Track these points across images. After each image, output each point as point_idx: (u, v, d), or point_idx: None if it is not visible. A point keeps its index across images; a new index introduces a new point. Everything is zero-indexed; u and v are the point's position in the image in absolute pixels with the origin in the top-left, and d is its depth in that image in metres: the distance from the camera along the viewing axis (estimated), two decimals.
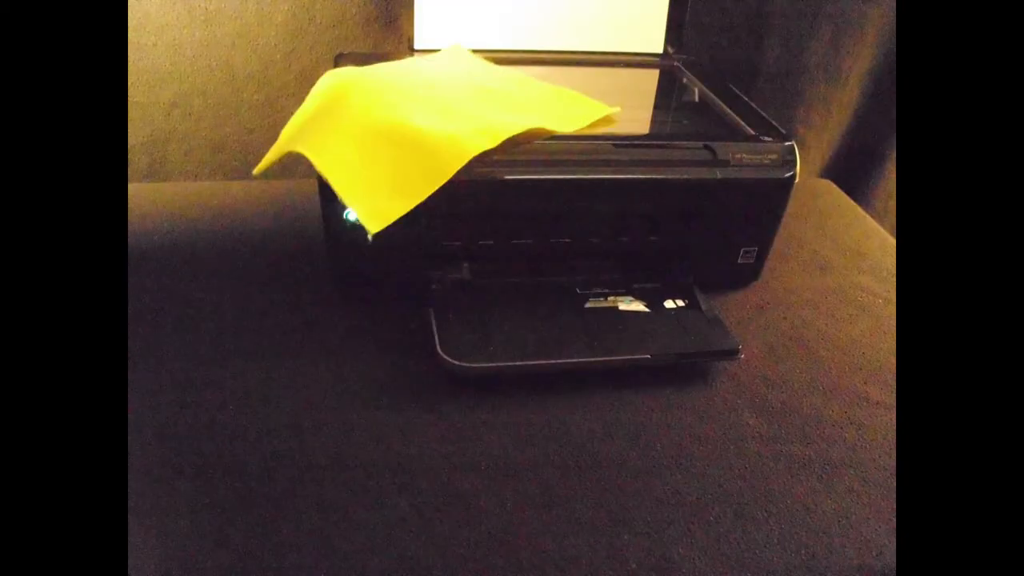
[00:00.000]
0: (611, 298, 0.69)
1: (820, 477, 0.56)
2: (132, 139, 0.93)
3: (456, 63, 0.75)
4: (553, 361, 0.61)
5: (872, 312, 0.75)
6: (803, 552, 0.50)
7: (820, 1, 0.97)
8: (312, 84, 0.92)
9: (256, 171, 0.59)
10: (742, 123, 0.71)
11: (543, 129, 0.62)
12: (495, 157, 0.62)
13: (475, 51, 0.78)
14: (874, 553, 0.51)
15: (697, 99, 0.79)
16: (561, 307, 0.67)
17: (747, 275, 0.77)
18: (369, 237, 0.55)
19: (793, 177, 0.68)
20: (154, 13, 0.86)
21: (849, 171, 1.12)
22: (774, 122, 0.71)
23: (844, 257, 0.84)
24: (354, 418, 0.58)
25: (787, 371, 0.66)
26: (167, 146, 0.95)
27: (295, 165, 0.99)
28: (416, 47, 0.83)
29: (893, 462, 0.58)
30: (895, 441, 0.59)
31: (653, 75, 0.86)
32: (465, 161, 0.56)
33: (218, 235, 0.81)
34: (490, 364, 0.60)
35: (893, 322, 0.73)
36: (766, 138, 0.68)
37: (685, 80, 0.83)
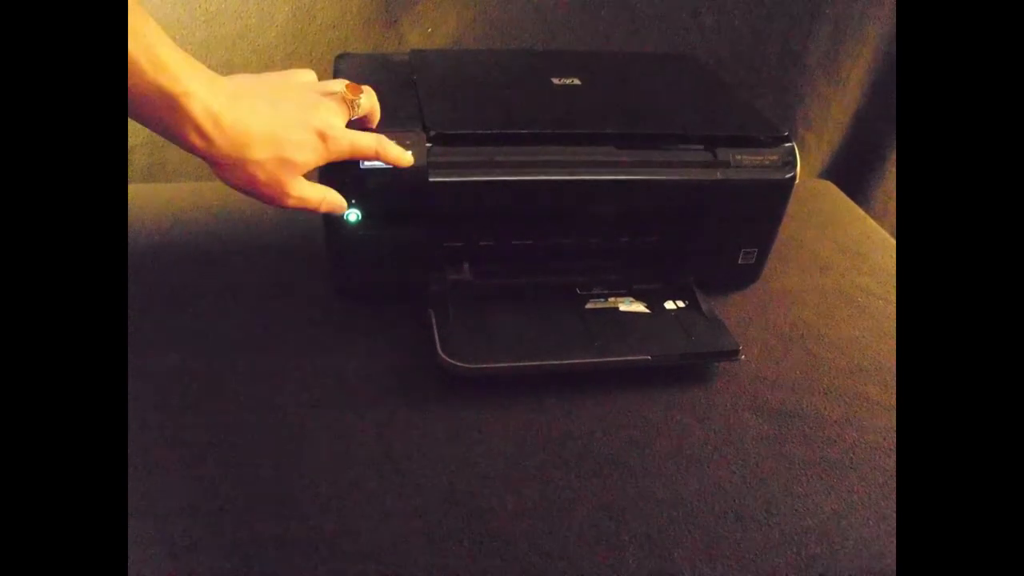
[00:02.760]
0: (611, 299, 0.69)
1: (820, 477, 0.56)
2: (132, 139, 0.93)
3: None
4: (553, 362, 0.61)
5: (872, 312, 0.75)
6: (803, 553, 0.50)
7: (820, 1, 0.97)
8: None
9: None
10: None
11: None
12: (499, 158, 0.62)
13: None
14: (874, 554, 0.50)
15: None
16: (561, 308, 0.67)
17: (747, 276, 0.77)
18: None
19: (793, 178, 0.68)
20: (155, 13, 0.86)
21: (849, 172, 1.12)
22: (774, 123, 0.71)
23: (844, 258, 0.84)
24: (354, 418, 0.58)
25: (787, 371, 0.66)
26: (167, 146, 0.95)
27: None
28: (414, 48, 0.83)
29: (893, 462, 0.58)
30: (895, 441, 0.59)
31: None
32: None
33: (218, 235, 0.81)
34: (490, 365, 0.60)
35: (893, 322, 0.73)
36: (766, 139, 0.68)
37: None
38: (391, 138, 0.61)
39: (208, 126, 0.44)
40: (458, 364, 0.59)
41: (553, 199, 0.66)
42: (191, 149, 0.45)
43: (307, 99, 0.52)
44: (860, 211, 0.96)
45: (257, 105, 0.48)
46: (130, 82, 0.40)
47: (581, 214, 0.69)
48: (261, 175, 0.48)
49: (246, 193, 0.50)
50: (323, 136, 0.51)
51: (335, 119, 0.53)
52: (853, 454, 0.58)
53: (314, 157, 0.51)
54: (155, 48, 0.41)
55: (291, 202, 0.52)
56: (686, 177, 0.66)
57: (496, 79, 0.78)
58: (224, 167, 0.47)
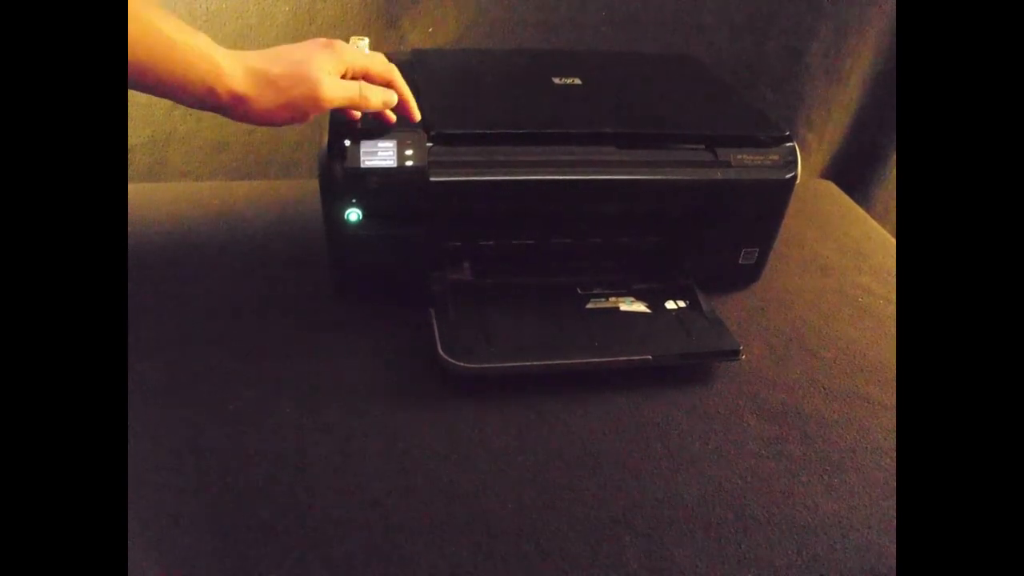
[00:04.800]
0: (612, 299, 0.69)
1: (820, 477, 0.56)
2: (132, 139, 0.93)
3: None
4: (554, 362, 0.61)
5: (872, 312, 0.75)
6: (803, 552, 0.50)
7: (820, 1, 0.97)
8: None
9: None
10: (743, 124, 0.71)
11: None
12: (499, 157, 0.62)
13: None
14: (874, 554, 0.50)
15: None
16: (562, 308, 0.67)
17: (748, 276, 0.77)
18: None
19: (794, 178, 0.68)
20: None
21: (850, 172, 1.12)
22: (775, 123, 0.71)
23: (845, 258, 0.84)
24: (354, 418, 0.58)
25: (787, 371, 0.66)
26: (167, 146, 0.95)
27: (296, 165, 0.99)
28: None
29: (893, 462, 0.58)
30: (895, 441, 0.59)
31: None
32: None
33: (218, 235, 0.81)
34: (491, 365, 0.60)
35: (893, 322, 0.73)
36: (767, 139, 0.68)
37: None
38: (391, 137, 0.61)
39: (228, 64, 0.48)
40: (458, 364, 0.59)
41: (554, 199, 0.66)
42: (218, 94, 0.49)
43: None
44: (861, 211, 0.96)
45: (254, 52, 0.52)
46: (160, 48, 0.45)
47: (582, 214, 0.69)
48: (287, 83, 0.51)
49: (285, 115, 0.52)
50: (327, 45, 0.54)
51: (330, 40, 0.56)
52: (853, 454, 0.58)
53: (328, 57, 0.53)
54: (166, 16, 0.46)
55: (328, 93, 0.53)
56: (687, 177, 0.66)
57: (497, 79, 0.78)
58: (255, 98, 0.50)
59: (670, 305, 0.69)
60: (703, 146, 0.67)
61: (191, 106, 0.49)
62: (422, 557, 0.48)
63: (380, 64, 0.57)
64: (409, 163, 0.61)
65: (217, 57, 0.48)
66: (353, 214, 0.62)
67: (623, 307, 0.68)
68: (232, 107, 0.50)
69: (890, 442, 0.59)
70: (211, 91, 0.48)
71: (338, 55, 0.54)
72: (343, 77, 0.55)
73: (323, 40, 0.55)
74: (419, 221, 0.65)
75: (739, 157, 0.67)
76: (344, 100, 0.55)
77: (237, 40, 0.89)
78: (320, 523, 0.50)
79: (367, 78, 0.57)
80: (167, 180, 0.97)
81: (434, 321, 0.63)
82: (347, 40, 0.58)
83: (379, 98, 0.57)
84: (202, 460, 0.54)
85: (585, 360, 0.62)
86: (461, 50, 0.94)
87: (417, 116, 0.61)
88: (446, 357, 0.59)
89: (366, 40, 0.59)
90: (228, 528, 0.49)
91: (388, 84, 0.58)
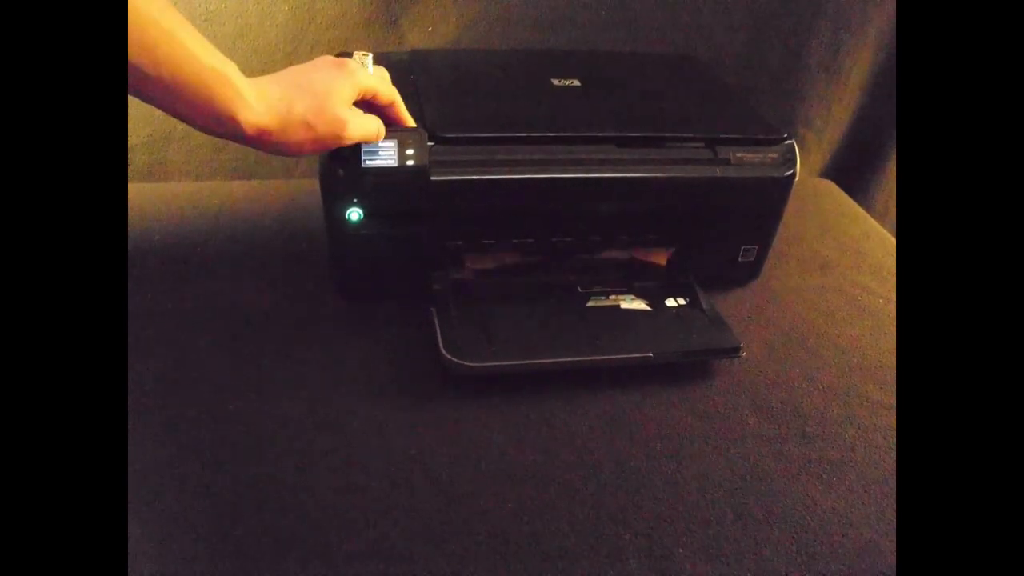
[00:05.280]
0: (612, 297, 0.69)
1: (820, 477, 0.56)
2: (132, 139, 0.93)
3: None
4: (555, 360, 0.61)
5: (872, 312, 0.75)
6: (803, 552, 0.50)
7: (820, 1, 0.96)
8: None
9: None
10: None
11: None
12: (500, 156, 0.63)
13: None
14: (874, 554, 0.51)
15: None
16: (563, 306, 0.67)
17: (747, 274, 0.77)
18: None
19: (793, 176, 0.68)
20: None
21: (849, 171, 1.12)
22: (774, 122, 0.71)
23: (844, 256, 0.84)
24: (355, 418, 0.58)
25: (787, 370, 0.66)
26: (167, 146, 0.95)
27: (296, 165, 0.99)
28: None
29: (893, 461, 0.58)
30: (895, 441, 0.59)
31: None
32: None
33: (218, 235, 0.81)
34: (492, 363, 0.60)
35: (893, 322, 0.73)
36: (766, 138, 0.68)
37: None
38: (392, 137, 0.61)
39: (253, 97, 0.47)
40: (461, 363, 0.59)
41: (554, 197, 0.66)
42: (242, 127, 0.47)
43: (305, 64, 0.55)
44: (860, 210, 0.96)
45: (272, 80, 0.51)
46: (188, 70, 0.43)
47: (582, 212, 0.69)
48: (312, 117, 0.51)
49: (309, 149, 0.52)
50: (340, 66, 0.54)
51: (340, 60, 0.55)
52: (853, 453, 0.58)
53: (346, 84, 0.53)
54: (199, 38, 0.44)
55: (351, 129, 0.54)
56: (686, 174, 0.66)
57: (496, 79, 0.78)
58: (279, 132, 0.50)
59: (670, 303, 0.69)
60: (702, 144, 0.67)
61: (210, 133, 0.47)
62: (422, 557, 0.48)
63: (386, 87, 0.58)
64: (410, 162, 0.61)
65: (240, 85, 0.46)
66: (354, 213, 0.63)
67: (623, 305, 0.68)
68: (255, 140, 0.49)
69: (890, 441, 0.59)
70: (232, 120, 0.46)
71: (353, 81, 0.54)
72: (355, 101, 0.55)
73: (332, 60, 0.54)
74: (420, 220, 0.65)
75: (739, 155, 0.67)
76: (362, 138, 0.56)
77: (237, 40, 0.89)
78: (320, 523, 0.50)
79: (374, 99, 0.57)
80: (167, 180, 0.97)
81: (435, 320, 0.63)
82: (350, 51, 0.58)
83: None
84: (202, 460, 0.54)
85: (586, 358, 0.62)
86: (461, 50, 0.94)
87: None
88: (448, 356, 0.59)
89: (370, 55, 0.58)
90: (228, 528, 0.49)
91: (390, 104, 0.59)
